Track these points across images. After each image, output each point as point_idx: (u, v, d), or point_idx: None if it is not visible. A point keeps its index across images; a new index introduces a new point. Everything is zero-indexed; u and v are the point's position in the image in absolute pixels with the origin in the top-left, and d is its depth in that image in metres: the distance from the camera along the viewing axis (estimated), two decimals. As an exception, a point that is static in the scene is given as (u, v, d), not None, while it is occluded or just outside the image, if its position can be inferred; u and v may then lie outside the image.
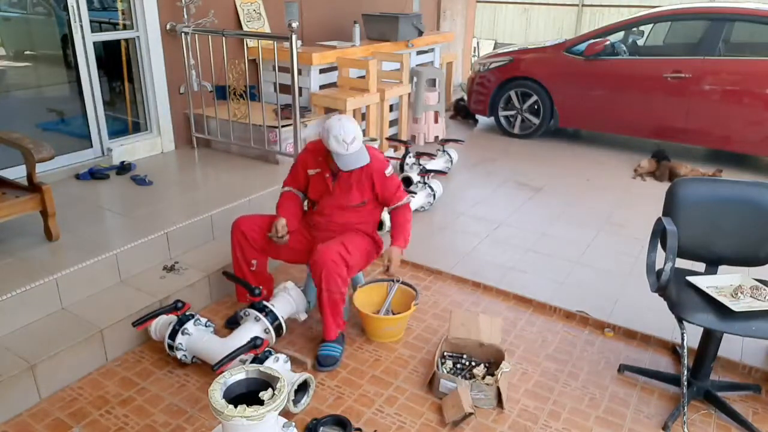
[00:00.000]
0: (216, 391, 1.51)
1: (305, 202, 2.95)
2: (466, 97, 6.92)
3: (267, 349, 2.41)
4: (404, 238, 2.83)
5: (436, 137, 6.07)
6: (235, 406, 1.45)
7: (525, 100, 6.16)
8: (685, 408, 2.33)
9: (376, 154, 2.77)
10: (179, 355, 2.56)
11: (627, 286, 3.35)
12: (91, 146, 4.16)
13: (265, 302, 2.68)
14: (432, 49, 6.64)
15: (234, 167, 4.28)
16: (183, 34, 4.31)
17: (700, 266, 2.53)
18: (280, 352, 2.49)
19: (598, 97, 5.79)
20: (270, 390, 1.52)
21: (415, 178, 4.48)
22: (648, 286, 2.44)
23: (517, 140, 6.25)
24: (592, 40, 5.76)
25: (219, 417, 1.45)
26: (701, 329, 2.37)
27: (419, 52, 6.38)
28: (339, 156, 2.57)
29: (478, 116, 6.90)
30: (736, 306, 2.19)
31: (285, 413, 2.23)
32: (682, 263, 2.43)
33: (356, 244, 2.71)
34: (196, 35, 4.37)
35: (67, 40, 3.97)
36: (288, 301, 2.77)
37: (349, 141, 2.53)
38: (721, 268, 2.50)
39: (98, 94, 4.10)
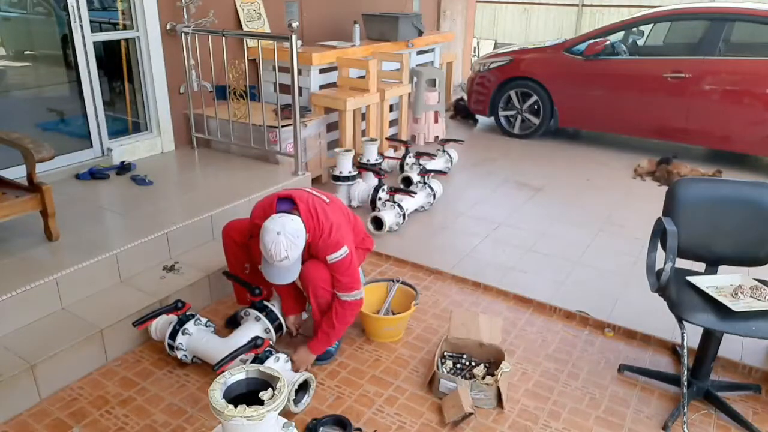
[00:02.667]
0: (216, 391, 1.51)
1: None
2: (466, 97, 6.92)
3: (267, 348, 2.41)
4: (323, 346, 2.58)
5: (436, 137, 6.07)
6: (235, 406, 1.45)
7: (525, 100, 6.16)
8: (685, 408, 2.33)
9: (326, 239, 2.45)
10: (180, 354, 2.56)
11: (627, 286, 3.35)
12: (91, 146, 4.16)
13: (265, 302, 2.69)
14: (432, 49, 6.64)
15: (234, 167, 4.28)
16: (183, 34, 4.31)
17: (700, 266, 2.53)
18: (280, 351, 2.49)
19: (598, 97, 5.79)
20: (270, 390, 1.52)
21: (415, 178, 4.49)
22: (648, 286, 2.44)
23: (517, 140, 6.25)
24: (592, 40, 5.76)
25: (219, 417, 1.45)
26: (701, 329, 2.36)
27: (419, 52, 6.37)
28: (265, 263, 2.43)
29: (478, 116, 6.90)
30: (736, 306, 2.19)
31: (286, 413, 2.23)
32: (682, 263, 2.43)
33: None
34: (196, 35, 4.37)
35: (67, 40, 3.97)
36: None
37: (277, 260, 2.32)
38: (721, 268, 2.50)
39: (98, 94, 4.10)
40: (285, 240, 2.29)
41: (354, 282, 2.55)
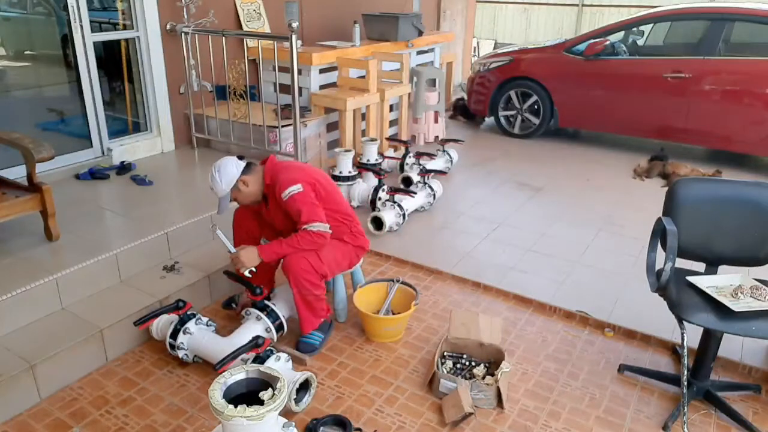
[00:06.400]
0: (216, 391, 1.51)
1: None
2: (466, 97, 6.92)
3: (268, 348, 2.41)
4: (273, 252, 2.59)
5: (436, 137, 6.07)
6: (235, 406, 1.45)
7: (525, 100, 6.16)
8: (685, 408, 2.33)
9: (282, 173, 2.64)
10: (181, 354, 2.56)
11: (627, 286, 3.35)
12: (91, 146, 4.16)
13: (266, 301, 2.69)
14: (432, 49, 6.64)
15: (234, 167, 4.27)
16: (183, 34, 4.31)
17: (700, 266, 2.53)
18: (281, 351, 2.49)
19: (598, 97, 5.79)
20: (270, 390, 1.52)
21: (415, 178, 4.49)
22: (648, 286, 2.44)
23: (517, 140, 6.25)
24: (592, 40, 5.76)
25: (219, 417, 1.46)
26: (701, 329, 2.37)
27: (419, 52, 6.37)
28: None
29: (478, 117, 6.90)
30: (736, 306, 2.19)
31: (287, 412, 2.24)
32: (682, 263, 2.43)
33: (326, 251, 2.67)
34: (196, 35, 4.37)
35: (67, 40, 3.97)
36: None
37: (211, 185, 2.72)
38: (721, 268, 2.50)
39: (98, 94, 4.10)
40: (214, 172, 2.69)
41: (314, 215, 2.58)
